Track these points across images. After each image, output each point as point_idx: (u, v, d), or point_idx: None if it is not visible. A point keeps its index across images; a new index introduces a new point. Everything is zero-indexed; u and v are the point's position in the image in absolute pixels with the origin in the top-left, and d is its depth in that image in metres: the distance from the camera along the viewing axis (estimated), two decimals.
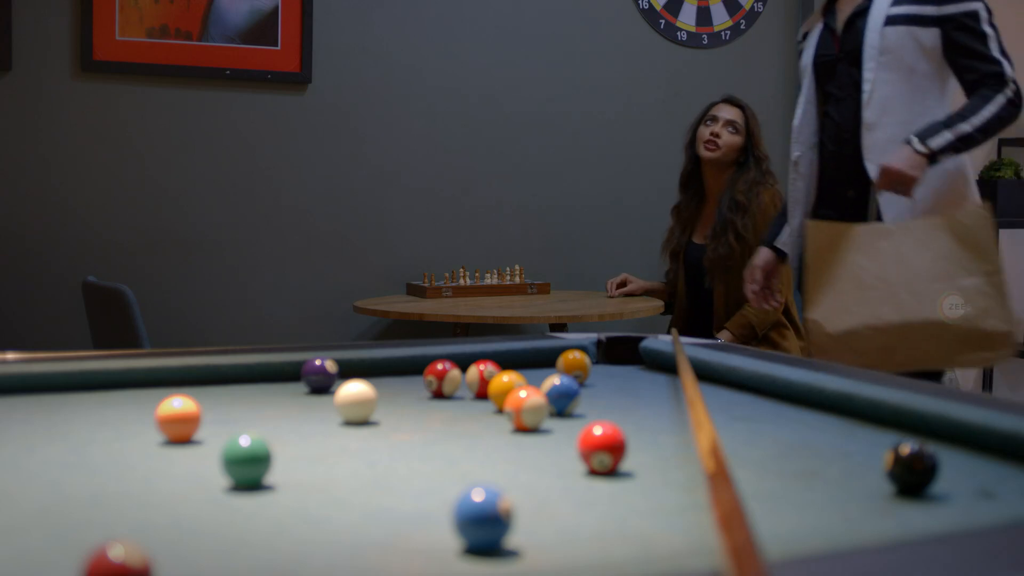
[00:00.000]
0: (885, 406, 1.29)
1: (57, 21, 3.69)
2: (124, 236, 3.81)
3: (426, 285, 3.80)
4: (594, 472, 1.07)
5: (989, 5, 2.51)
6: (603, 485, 1.03)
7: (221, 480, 1.03)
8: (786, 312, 3.48)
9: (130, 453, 1.16)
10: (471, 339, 1.82)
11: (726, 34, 4.50)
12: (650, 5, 4.40)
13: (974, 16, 2.48)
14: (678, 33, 4.44)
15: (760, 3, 4.55)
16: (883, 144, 2.50)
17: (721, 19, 4.49)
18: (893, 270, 2.41)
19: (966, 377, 5.05)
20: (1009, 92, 2.45)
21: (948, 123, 2.45)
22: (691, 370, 1.41)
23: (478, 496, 0.83)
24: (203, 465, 1.10)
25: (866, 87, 2.54)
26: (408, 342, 1.82)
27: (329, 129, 4.02)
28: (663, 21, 4.42)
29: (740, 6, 4.52)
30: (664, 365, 1.73)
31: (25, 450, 1.17)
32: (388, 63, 4.07)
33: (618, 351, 1.82)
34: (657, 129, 4.35)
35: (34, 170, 3.71)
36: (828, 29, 2.68)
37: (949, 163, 2.53)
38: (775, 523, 0.90)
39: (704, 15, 4.48)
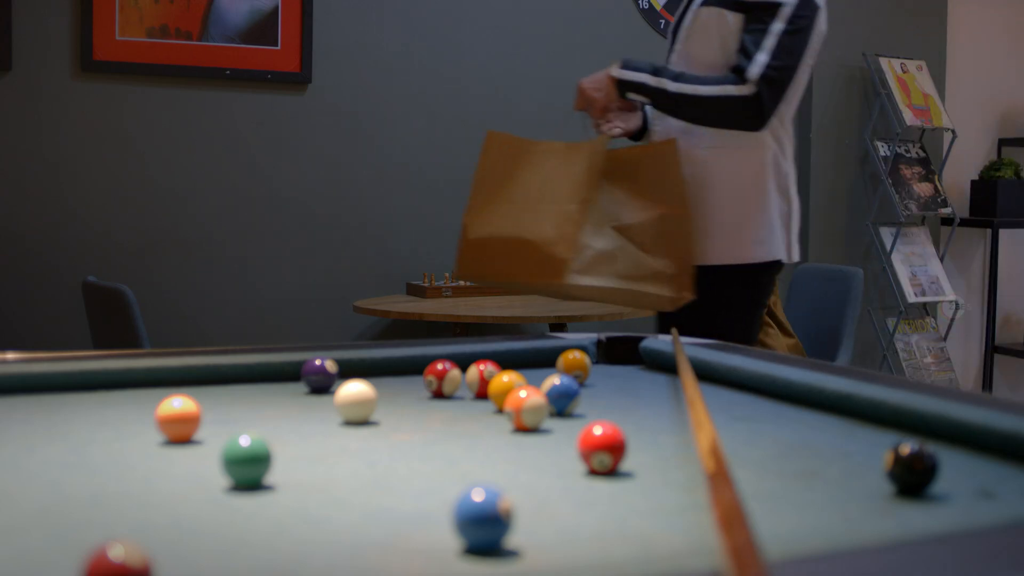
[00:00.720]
0: (885, 406, 1.29)
1: (57, 21, 3.69)
2: (124, 236, 3.81)
3: (426, 285, 3.80)
4: (594, 472, 1.06)
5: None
6: (603, 485, 1.03)
7: (221, 480, 1.03)
8: (768, 310, 3.47)
9: (130, 453, 1.16)
10: (471, 339, 1.82)
11: None
12: (650, 5, 4.40)
13: (772, 10, 2.25)
14: None
15: None
16: (668, 136, 2.37)
17: None
18: (536, 188, 2.32)
19: (966, 377, 5.05)
20: (745, 89, 2.23)
21: (659, 71, 2.32)
22: (691, 370, 1.41)
23: (478, 496, 0.82)
24: (203, 465, 1.10)
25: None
26: (408, 342, 1.82)
27: (329, 129, 4.02)
28: (663, 21, 4.41)
29: None
30: (664, 365, 1.73)
31: (25, 450, 1.17)
32: (388, 63, 4.07)
33: (618, 351, 1.82)
34: None
35: (34, 170, 3.71)
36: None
37: (745, 166, 2.37)
38: (775, 523, 0.90)
39: None
